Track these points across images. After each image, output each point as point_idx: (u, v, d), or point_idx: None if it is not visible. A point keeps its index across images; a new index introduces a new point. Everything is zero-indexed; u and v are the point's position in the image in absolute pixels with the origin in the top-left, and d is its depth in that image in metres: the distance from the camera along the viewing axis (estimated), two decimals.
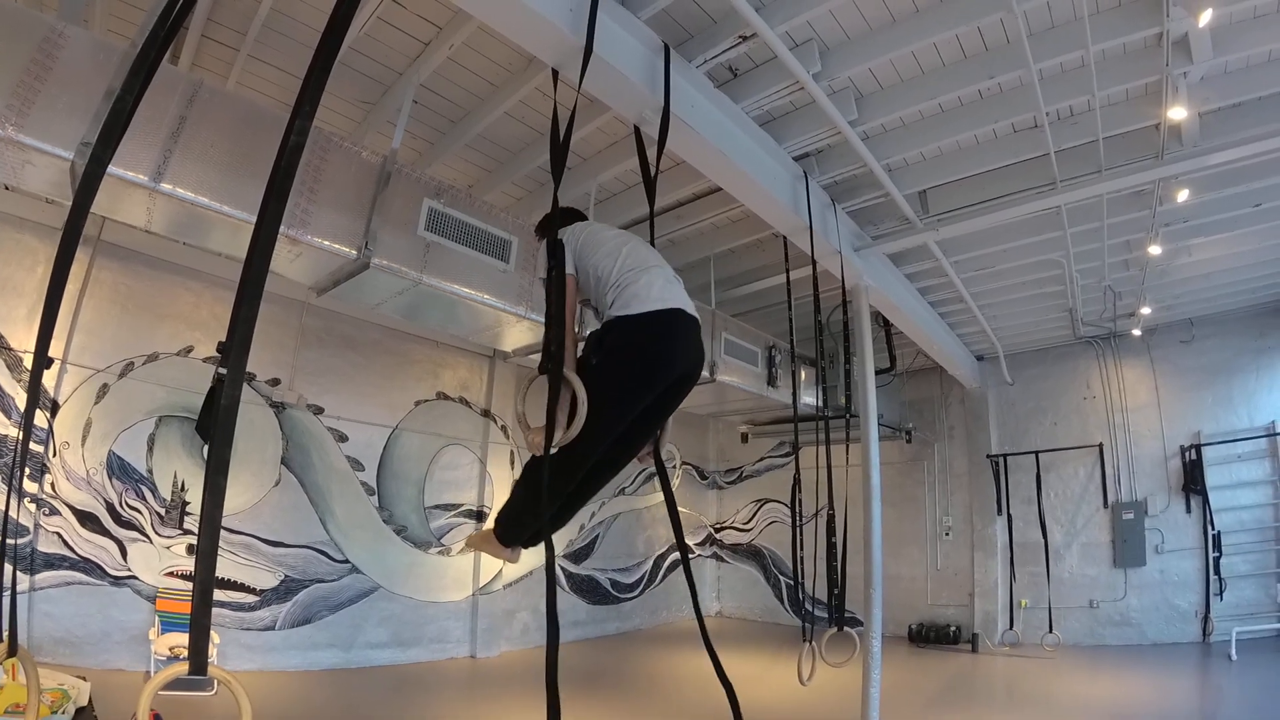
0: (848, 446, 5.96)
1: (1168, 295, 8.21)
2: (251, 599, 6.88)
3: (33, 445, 5.81)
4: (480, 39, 4.72)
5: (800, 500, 5.53)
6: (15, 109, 3.40)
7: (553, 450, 2.45)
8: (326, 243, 4.30)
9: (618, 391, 2.61)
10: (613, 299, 2.76)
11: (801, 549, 5.54)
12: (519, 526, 2.90)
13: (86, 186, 2.45)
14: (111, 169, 3.62)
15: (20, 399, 5.77)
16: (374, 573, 7.90)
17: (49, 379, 5.99)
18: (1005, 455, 9.73)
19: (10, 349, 5.79)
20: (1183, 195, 5.72)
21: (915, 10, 4.31)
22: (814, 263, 5.73)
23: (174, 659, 5.79)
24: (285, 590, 7.14)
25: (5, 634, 2.25)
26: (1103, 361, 9.46)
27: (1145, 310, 8.20)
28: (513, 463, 9.55)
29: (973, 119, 5.18)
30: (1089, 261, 7.16)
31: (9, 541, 5.13)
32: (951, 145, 5.62)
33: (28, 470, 5.74)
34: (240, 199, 3.95)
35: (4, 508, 1.99)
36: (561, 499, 2.72)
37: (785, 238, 6.02)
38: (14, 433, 5.70)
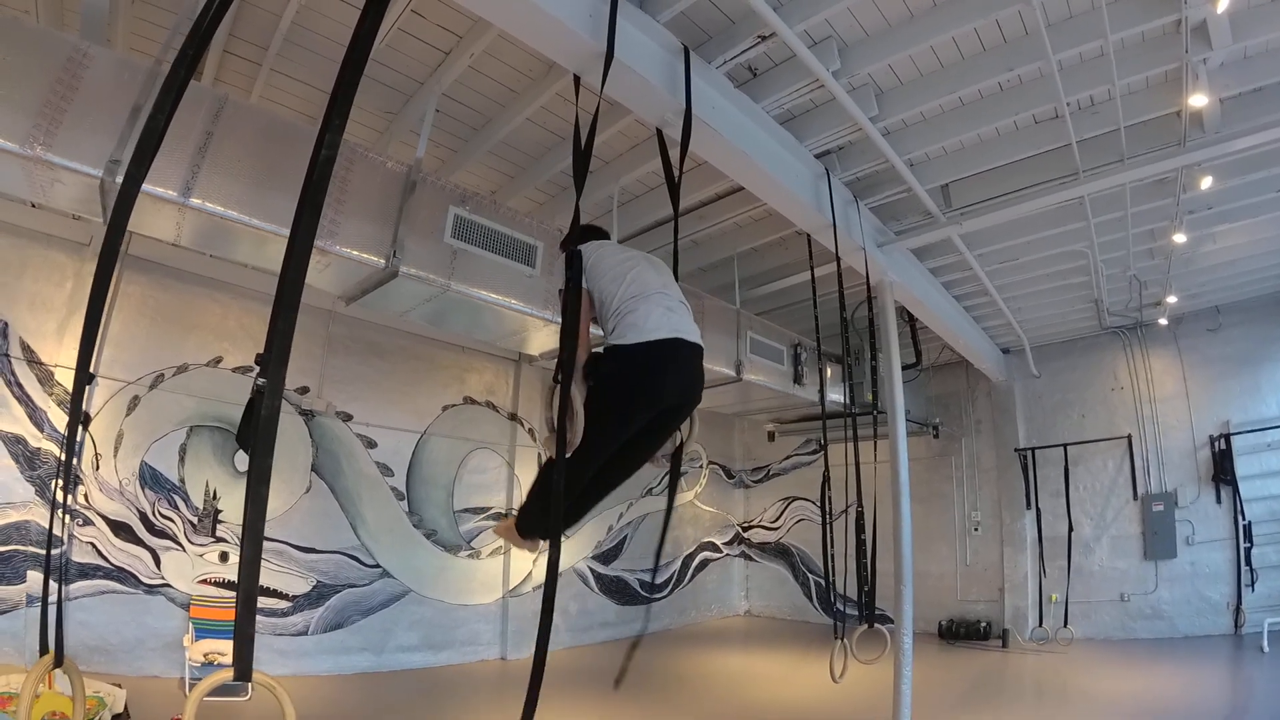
0: (875, 443, 5.95)
1: (1193, 283, 8.08)
2: (284, 605, 6.98)
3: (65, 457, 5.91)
4: (500, 46, 4.75)
5: (829, 498, 5.53)
6: (43, 128, 3.48)
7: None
8: (355, 252, 4.37)
9: (609, 415, 2.73)
10: (613, 326, 2.85)
11: (831, 546, 5.54)
12: (534, 521, 3.06)
13: (123, 204, 2.51)
14: (144, 186, 3.75)
15: (51, 412, 5.91)
16: (404, 577, 7.98)
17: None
18: (1033, 449, 9.62)
19: (41, 363, 5.93)
20: (1206, 182, 5.61)
21: (933, 5, 4.27)
22: (838, 260, 5.72)
23: (209, 665, 5.90)
24: (317, 595, 7.23)
25: (51, 645, 2.31)
26: (1129, 352, 9.32)
27: (1171, 299, 8.07)
28: (539, 465, 9.58)
29: (993, 111, 5.13)
30: (1113, 251, 7.06)
31: (54, 552, 5.27)
32: (973, 138, 5.56)
33: (59, 483, 5.85)
34: (268, 211, 4.02)
35: (49, 523, 2.04)
36: (569, 500, 2.76)
37: (809, 235, 6.02)
38: (46, 445, 5.84)
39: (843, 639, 4.99)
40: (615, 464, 2.91)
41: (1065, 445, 9.33)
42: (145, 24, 4.67)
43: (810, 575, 11.68)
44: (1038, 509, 9.37)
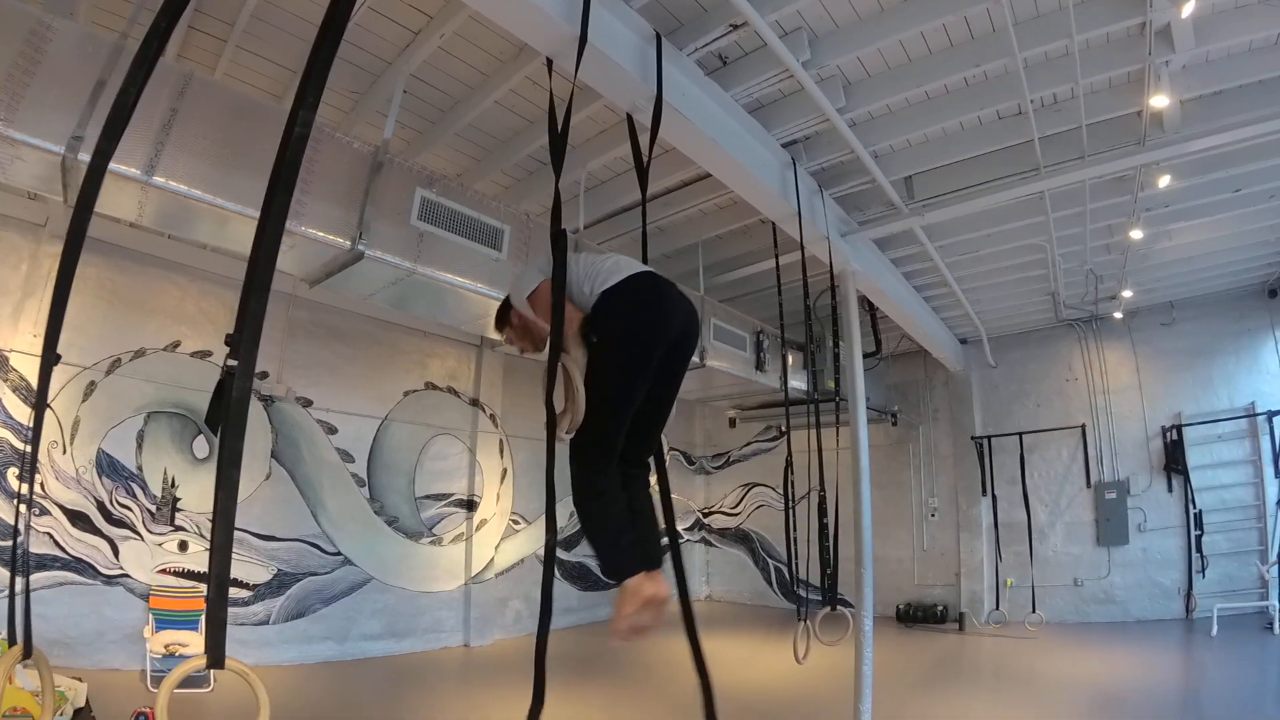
0: (837, 430, 6.04)
1: (1149, 279, 8.35)
2: (245, 594, 6.88)
3: (19, 444, 5.74)
4: (471, 28, 4.69)
5: (792, 483, 5.58)
6: (4, 103, 3.36)
7: (568, 434, 2.50)
8: (320, 234, 4.30)
9: (623, 360, 2.57)
10: (591, 286, 2.72)
11: (794, 531, 5.62)
12: (614, 555, 2.71)
13: (92, 182, 2.43)
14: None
15: (6, 398, 5.72)
16: (367, 564, 7.91)
17: (34, 377, 5.91)
18: (989, 437, 9.89)
19: None
20: (1164, 181, 5.82)
21: (904, 0, 4.35)
22: (803, 249, 5.80)
23: (170, 657, 5.79)
24: (278, 584, 7.13)
25: (20, 638, 2.25)
26: (1084, 344, 9.62)
27: (1127, 293, 8.33)
28: (501, 451, 9.57)
29: (959, 106, 5.24)
30: (1071, 246, 7.27)
31: (21, 544, 5.10)
32: (937, 132, 5.68)
33: (15, 471, 5.70)
34: (232, 190, 3.93)
35: (14, 518, 1.98)
36: (612, 463, 2.60)
37: (774, 224, 6.07)
38: (2, 434, 5.66)
39: (806, 621, 5.09)
40: (644, 418, 2.67)
41: (1021, 434, 9.61)
42: None
43: (770, 560, 11.85)
44: (994, 496, 9.65)
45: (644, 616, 2.56)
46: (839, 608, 5.17)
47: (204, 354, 7.04)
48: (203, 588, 6.49)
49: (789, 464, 5.54)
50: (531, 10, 3.44)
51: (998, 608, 9.23)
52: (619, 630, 2.56)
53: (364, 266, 4.60)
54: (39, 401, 2.34)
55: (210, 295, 7.14)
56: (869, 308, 8.68)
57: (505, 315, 3.02)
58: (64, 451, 5.99)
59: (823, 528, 5.46)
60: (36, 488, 5.78)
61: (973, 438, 10.02)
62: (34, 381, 5.81)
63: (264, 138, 4.08)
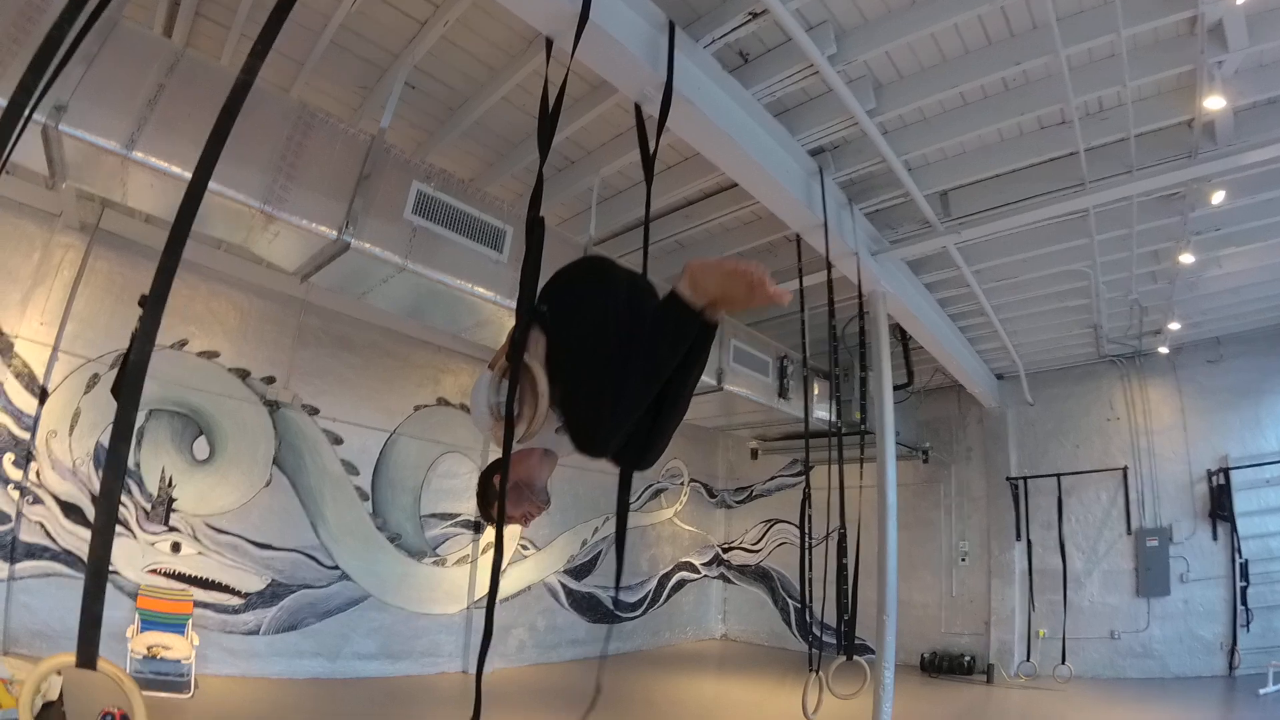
0: (862, 465, 5.68)
1: (1195, 310, 7.87)
2: (236, 601, 6.65)
3: (19, 432, 5.67)
4: (476, 18, 4.52)
5: (810, 519, 5.23)
6: None
7: (520, 441, 2.14)
8: (304, 221, 4.06)
9: (599, 314, 2.24)
10: None
11: (811, 571, 5.24)
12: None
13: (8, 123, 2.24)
14: (83, 134, 3.51)
15: (8, 384, 5.64)
16: (365, 581, 7.64)
17: (39, 365, 5.84)
18: (1025, 478, 9.36)
19: (2, 333, 5.69)
20: (1217, 198, 5.42)
21: None
22: (829, 263, 5.50)
23: (151, 659, 5.56)
24: (271, 594, 6.89)
25: None
26: (1127, 382, 9.11)
27: (1174, 325, 7.87)
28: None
29: (997, 111, 4.92)
30: (1116, 273, 6.85)
31: (2, 529, 4.90)
32: (974, 141, 5.36)
33: (12, 456, 5.60)
34: (229, 178, 3.77)
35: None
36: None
37: (799, 237, 5.79)
38: (1, 419, 5.57)
39: (817, 671, 4.70)
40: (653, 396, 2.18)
41: (1059, 475, 9.06)
42: None
43: (790, 601, 11.33)
44: (1028, 540, 9.09)
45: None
46: (857, 656, 4.79)
47: (211, 354, 6.94)
48: (194, 591, 6.29)
49: (806, 498, 5.23)
50: None
51: (1028, 659, 8.63)
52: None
53: (352, 259, 4.38)
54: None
55: (220, 295, 7.06)
56: (901, 336, 8.35)
57: (489, 488, 2.38)
58: (60, 442, 5.86)
59: (841, 569, 5.09)
60: (33, 475, 5.66)
61: (1008, 478, 9.49)
62: (38, 369, 5.75)
63: (254, 120, 3.95)
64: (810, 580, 5.09)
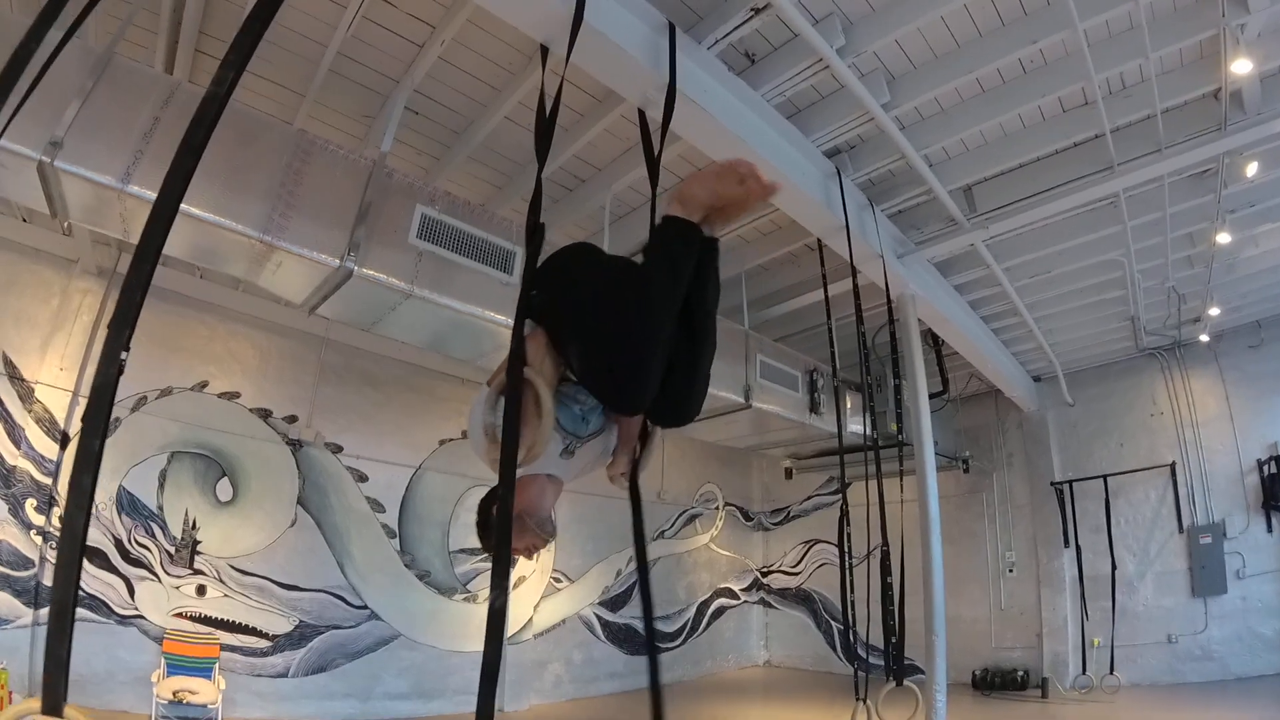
0: (901, 478, 5.45)
1: (1234, 294, 7.54)
2: (263, 644, 6.52)
3: (40, 477, 5.66)
4: (473, 35, 4.46)
5: (849, 537, 5.10)
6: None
7: (521, 465, 1.95)
8: (305, 250, 3.98)
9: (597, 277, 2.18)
10: None
11: (852, 592, 5.06)
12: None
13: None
14: (78, 169, 3.46)
15: (30, 430, 5.68)
16: (394, 619, 7.48)
17: (59, 410, 5.82)
18: (1070, 481, 8.97)
19: (23, 379, 5.73)
20: (1251, 169, 5.17)
21: None
22: (853, 267, 5.35)
23: (177, 704, 5.44)
24: (300, 636, 6.76)
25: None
26: (1168, 374, 8.72)
27: (1213, 311, 7.55)
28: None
29: (1016, 96, 4.74)
30: (1151, 260, 6.57)
31: (26, 574, 4.86)
32: (995, 130, 5.18)
33: (34, 502, 5.58)
34: (213, 203, 3.71)
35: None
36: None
37: (820, 243, 5.64)
38: (22, 464, 5.60)
39: (865, 699, 4.46)
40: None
41: (1105, 476, 8.67)
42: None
43: (834, 623, 10.94)
44: (1077, 546, 8.68)
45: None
46: (906, 681, 4.53)
47: (232, 395, 6.90)
48: (221, 634, 6.17)
49: (844, 516, 5.07)
50: None
51: (1084, 671, 8.21)
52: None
53: (356, 288, 4.28)
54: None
55: (239, 336, 7.04)
56: (933, 342, 8.11)
57: (487, 518, 2.28)
58: None
59: (886, 589, 4.85)
60: (55, 520, 5.62)
61: (1052, 483, 9.11)
62: (59, 414, 5.73)
63: (253, 150, 3.92)
64: (852, 602, 4.92)
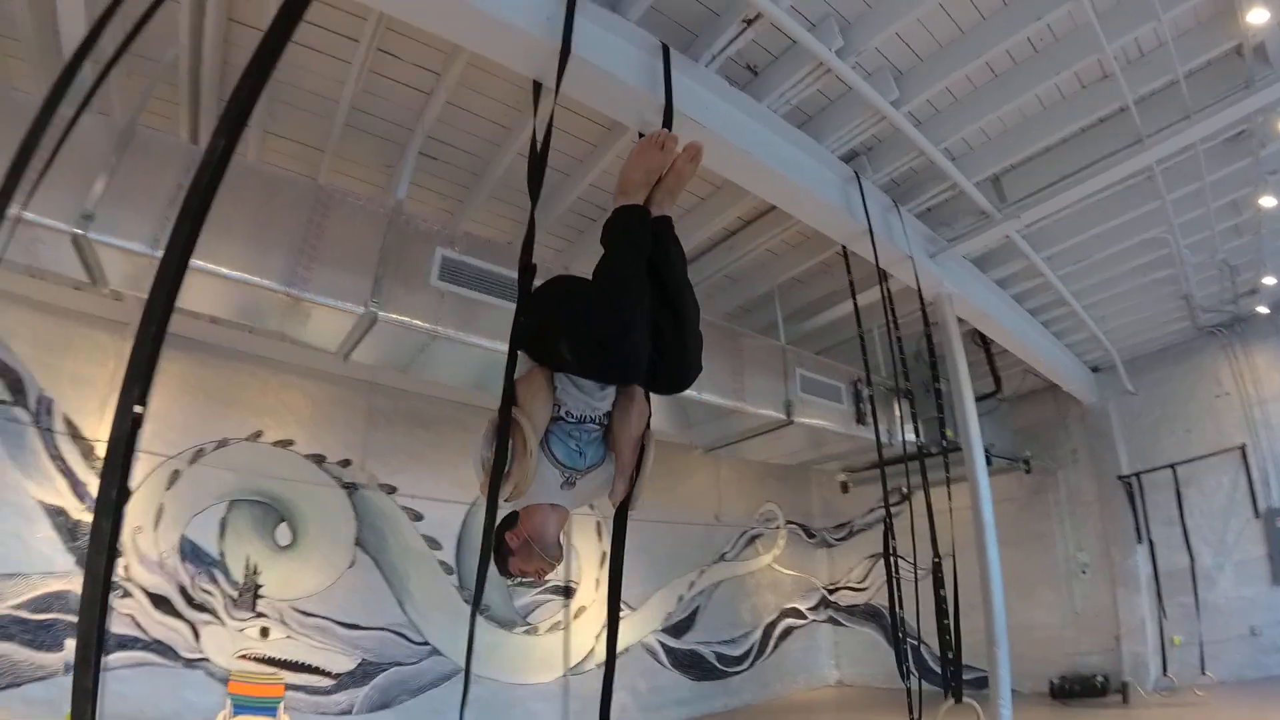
0: (949, 485, 5.32)
1: None
2: (327, 682, 6.64)
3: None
4: (476, 77, 4.60)
5: (894, 549, 5.04)
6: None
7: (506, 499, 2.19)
8: (330, 300, 4.19)
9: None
10: None
11: (901, 609, 4.99)
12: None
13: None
14: (110, 239, 3.65)
15: (92, 486, 5.89)
16: (455, 655, 7.52)
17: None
18: (1138, 474, 8.51)
19: (84, 438, 5.99)
20: None
21: None
22: (879, 272, 5.26)
23: None
24: (362, 674, 6.86)
25: None
26: (1230, 352, 8.22)
27: (1269, 280, 7.13)
28: (599, 533, 9.13)
29: (1031, 77, 4.62)
30: (1197, 233, 6.25)
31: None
32: (1015, 115, 5.05)
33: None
34: (243, 262, 3.93)
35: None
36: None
37: (845, 249, 5.57)
38: (87, 518, 5.83)
39: (919, 717, 4.32)
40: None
41: (1173, 465, 8.22)
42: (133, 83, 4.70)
43: (905, 638, 10.60)
44: (1150, 541, 8.23)
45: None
46: (967, 698, 4.39)
47: (286, 443, 7.12)
48: (285, 674, 6.31)
49: (888, 530, 5.02)
50: (512, 33, 3.34)
51: (1165, 672, 7.75)
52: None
53: (384, 332, 4.47)
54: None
55: (291, 387, 7.27)
56: (982, 341, 7.91)
57: (502, 544, 2.38)
58: (146, 537, 6.07)
59: (940, 602, 4.76)
60: (120, 571, 5.83)
61: (1119, 477, 8.65)
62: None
63: (277, 209, 4.12)
64: (903, 618, 4.89)
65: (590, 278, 2.30)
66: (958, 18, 4.30)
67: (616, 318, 2.09)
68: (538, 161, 2.88)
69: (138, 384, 1.88)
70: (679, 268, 2.36)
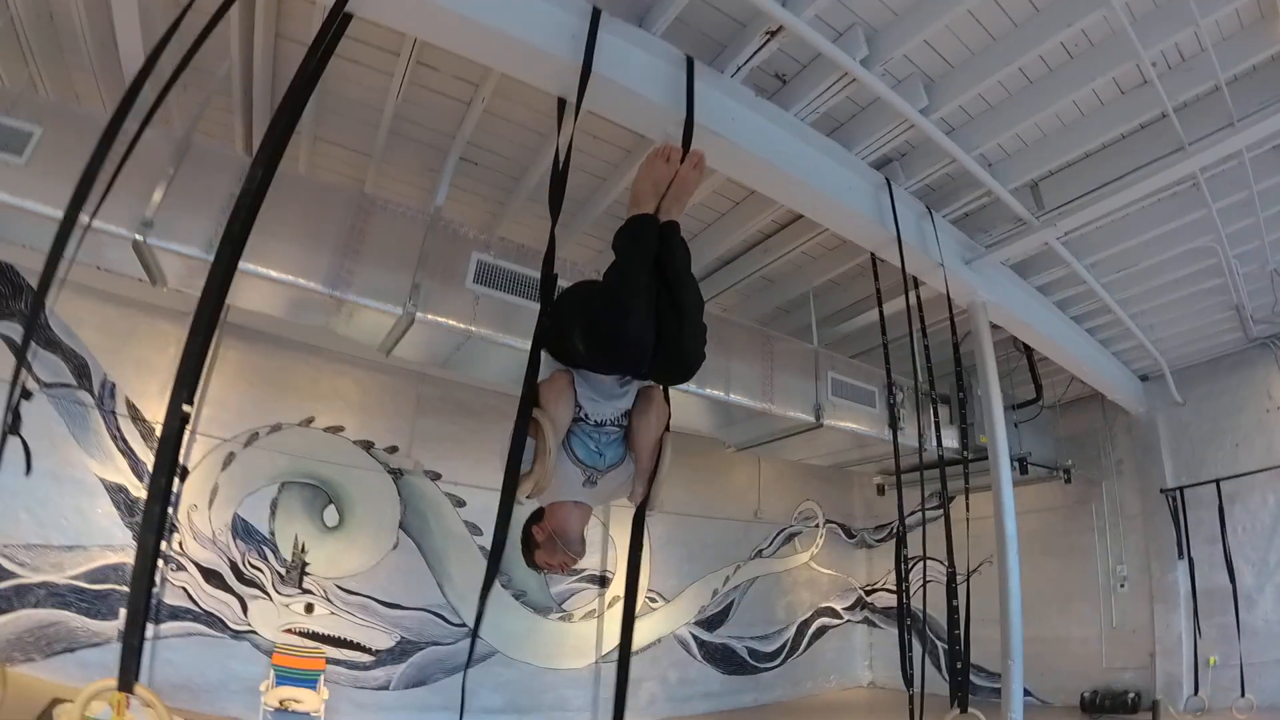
0: (967, 494, 5.43)
1: None
2: (367, 658, 6.98)
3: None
4: (512, 88, 4.73)
5: (906, 558, 5.35)
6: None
7: (528, 498, 2.47)
8: (371, 301, 4.47)
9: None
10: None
11: (908, 619, 5.36)
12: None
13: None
14: (169, 245, 3.94)
15: (151, 464, 6.25)
16: (491, 637, 7.81)
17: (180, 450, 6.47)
18: (1182, 488, 8.25)
19: (144, 420, 6.42)
20: None
21: None
22: (904, 274, 5.27)
23: (281, 711, 5.94)
24: (400, 651, 7.19)
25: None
26: None
27: None
28: (635, 520, 9.28)
29: (1067, 83, 4.54)
30: (1246, 242, 6.02)
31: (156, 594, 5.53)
32: (1052, 121, 4.97)
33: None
34: (296, 265, 4.25)
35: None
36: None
37: (874, 256, 5.59)
38: (145, 495, 6.19)
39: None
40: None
41: (1218, 480, 7.94)
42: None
43: (938, 643, 10.49)
44: (1189, 558, 8.01)
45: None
46: (972, 710, 4.41)
47: (336, 429, 7.46)
48: (327, 649, 6.65)
49: (900, 538, 5.34)
50: (539, 56, 3.52)
51: (1196, 692, 7.57)
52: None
53: (422, 331, 4.72)
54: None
55: (343, 374, 7.61)
56: (1024, 348, 7.80)
57: (530, 538, 2.67)
58: (201, 515, 6.47)
59: (952, 611, 4.86)
60: (175, 545, 6.28)
61: (1162, 490, 8.40)
62: (180, 454, 6.36)
63: (326, 214, 4.42)
64: (909, 627, 5.13)
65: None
66: (988, 24, 4.24)
67: (620, 307, 2.32)
68: (559, 180, 3.06)
69: (186, 387, 2.17)
70: (682, 265, 2.55)
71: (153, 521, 2.09)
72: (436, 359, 5.43)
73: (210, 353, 6.72)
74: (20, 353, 2.46)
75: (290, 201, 4.26)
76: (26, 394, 2.49)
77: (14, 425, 2.40)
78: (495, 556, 2.31)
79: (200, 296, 2.24)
